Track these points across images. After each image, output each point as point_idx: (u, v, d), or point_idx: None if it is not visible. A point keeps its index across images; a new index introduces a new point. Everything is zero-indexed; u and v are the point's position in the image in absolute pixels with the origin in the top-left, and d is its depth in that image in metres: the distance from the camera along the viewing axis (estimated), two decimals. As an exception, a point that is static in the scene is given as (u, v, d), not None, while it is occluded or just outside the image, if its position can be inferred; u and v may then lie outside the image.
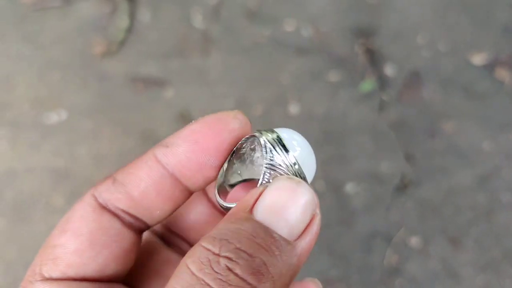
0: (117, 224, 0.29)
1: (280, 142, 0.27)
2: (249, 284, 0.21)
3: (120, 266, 0.30)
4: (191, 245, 0.35)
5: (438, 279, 1.01)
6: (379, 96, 1.16)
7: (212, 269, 0.22)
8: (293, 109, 1.15)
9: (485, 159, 1.09)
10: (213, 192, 0.32)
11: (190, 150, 0.29)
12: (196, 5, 1.28)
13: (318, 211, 0.26)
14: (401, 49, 1.21)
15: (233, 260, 0.22)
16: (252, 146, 0.30)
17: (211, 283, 0.21)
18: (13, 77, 1.22)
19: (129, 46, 1.25)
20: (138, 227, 0.31)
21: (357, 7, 1.25)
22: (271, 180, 0.26)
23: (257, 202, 0.25)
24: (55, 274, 0.27)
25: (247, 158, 0.31)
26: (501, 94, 1.16)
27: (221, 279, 0.21)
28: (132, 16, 1.27)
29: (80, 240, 0.28)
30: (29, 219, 1.08)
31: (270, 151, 0.27)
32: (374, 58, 1.20)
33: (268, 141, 0.27)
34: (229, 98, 1.17)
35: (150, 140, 1.13)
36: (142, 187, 0.29)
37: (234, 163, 0.31)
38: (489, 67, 1.18)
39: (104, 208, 0.29)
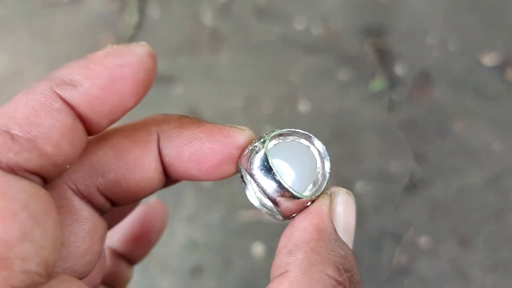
0: (35, 185, 0.23)
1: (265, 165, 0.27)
2: None
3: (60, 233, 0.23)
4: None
5: (447, 279, 1.00)
6: (389, 96, 1.16)
7: None
8: (303, 107, 1.15)
9: (496, 159, 1.09)
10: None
11: (104, 92, 0.24)
12: (205, 2, 1.28)
13: None
14: (412, 49, 1.21)
15: None
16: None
17: None
18: (22, 73, 1.23)
19: (138, 42, 1.25)
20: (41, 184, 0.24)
21: (367, 6, 1.25)
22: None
23: (334, 219, 0.26)
24: (17, 282, 0.20)
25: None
26: (511, 94, 1.15)
27: None
28: (142, 12, 1.27)
29: (19, 220, 0.20)
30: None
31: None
32: (384, 57, 1.19)
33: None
34: (238, 95, 1.17)
35: (159, 136, 1.13)
36: (56, 139, 0.23)
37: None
38: (500, 67, 1.17)
39: (15, 172, 0.22)
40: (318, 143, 0.29)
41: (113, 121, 0.26)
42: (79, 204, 0.27)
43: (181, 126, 0.29)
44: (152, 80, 0.26)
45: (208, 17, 1.26)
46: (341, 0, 1.26)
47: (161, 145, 0.27)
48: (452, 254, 1.02)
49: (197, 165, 0.28)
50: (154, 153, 0.28)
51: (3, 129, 0.22)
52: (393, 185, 1.07)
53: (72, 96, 0.24)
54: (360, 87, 1.16)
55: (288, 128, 0.29)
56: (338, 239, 0.25)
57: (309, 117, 1.14)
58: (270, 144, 0.28)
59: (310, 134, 0.29)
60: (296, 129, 0.29)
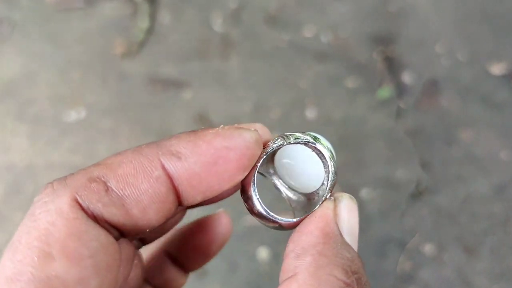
0: (112, 239, 0.24)
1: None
2: None
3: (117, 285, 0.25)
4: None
5: (452, 287, 1.00)
6: (397, 103, 1.16)
7: None
8: (311, 113, 1.15)
9: (502, 168, 1.09)
10: None
11: (206, 170, 0.25)
12: (216, 8, 1.29)
13: None
14: (420, 58, 1.21)
15: None
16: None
17: None
18: (35, 75, 1.25)
19: (149, 47, 1.26)
20: (117, 238, 0.26)
21: (377, 14, 1.26)
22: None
23: (339, 223, 0.27)
24: None
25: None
26: (519, 104, 1.15)
27: None
28: (153, 18, 1.29)
29: (82, 265, 0.22)
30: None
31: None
32: (392, 66, 1.20)
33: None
34: (248, 101, 1.18)
35: (167, 140, 1.14)
36: (145, 204, 0.24)
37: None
38: (508, 77, 1.18)
39: (97, 220, 0.23)
40: (323, 149, 0.30)
41: (206, 198, 0.26)
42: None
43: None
44: (252, 164, 0.27)
45: (218, 24, 1.28)
46: (351, 9, 1.27)
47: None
48: (457, 262, 1.02)
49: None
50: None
51: (102, 178, 0.23)
52: (399, 192, 1.07)
53: (175, 167, 0.24)
54: (368, 95, 1.17)
55: (297, 131, 0.30)
56: (344, 242, 0.26)
57: (316, 123, 1.14)
58: (282, 149, 0.30)
59: (319, 136, 0.31)
60: (305, 132, 0.30)
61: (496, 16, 1.24)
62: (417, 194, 1.07)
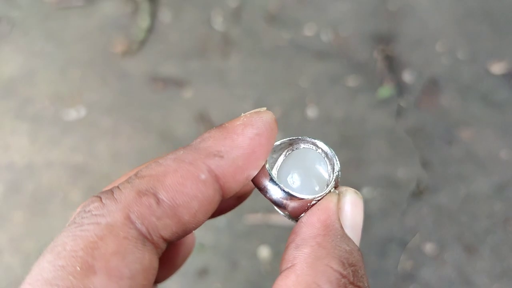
0: (155, 262, 0.24)
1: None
2: None
3: None
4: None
5: (452, 286, 1.00)
6: (397, 102, 1.16)
7: None
8: (311, 112, 1.15)
9: (503, 167, 1.09)
10: None
11: (246, 162, 0.26)
12: (217, 7, 1.29)
13: None
14: (420, 56, 1.21)
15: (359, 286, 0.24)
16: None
17: None
18: (35, 73, 1.24)
19: (150, 45, 1.26)
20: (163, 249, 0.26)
21: (377, 13, 1.26)
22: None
23: (341, 217, 0.27)
24: None
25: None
26: (519, 103, 1.16)
27: None
28: (153, 16, 1.29)
29: (120, 285, 0.22)
30: (47, 213, 1.09)
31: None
32: (393, 65, 1.20)
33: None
34: (248, 99, 1.18)
35: (168, 138, 1.14)
36: (195, 209, 0.24)
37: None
38: (508, 76, 1.18)
39: (147, 239, 0.23)
40: (325, 147, 0.30)
41: (241, 186, 0.27)
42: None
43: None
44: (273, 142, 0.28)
45: (219, 22, 1.28)
46: (351, 8, 1.27)
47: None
48: (458, 261, 1.02)
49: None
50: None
51: (152, 191, 0.23)
52: (400, 191, 1.07)
53: (220, 167, 0.25)
54: (369, 94, 1.17)
55: (296, 136, 0.31)
56: (344, 235, 0.26)
57: (317, 122, 1.14)
58: (281, 156, 0.30)
59: (316, 140, 0.30)
60: (303, 136, 0.31)
61: (496, 15, 1.25)
62: (418, 193, 1.07)
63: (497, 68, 1.19)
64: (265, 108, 0.28)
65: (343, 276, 0.24)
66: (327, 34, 1.24)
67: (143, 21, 1.28)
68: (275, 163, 0.30)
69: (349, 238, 0.27)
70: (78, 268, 0.21)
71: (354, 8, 1.27)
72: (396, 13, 1.26)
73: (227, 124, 0.26)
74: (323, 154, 0.30)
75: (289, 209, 0.28)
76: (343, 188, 0.29)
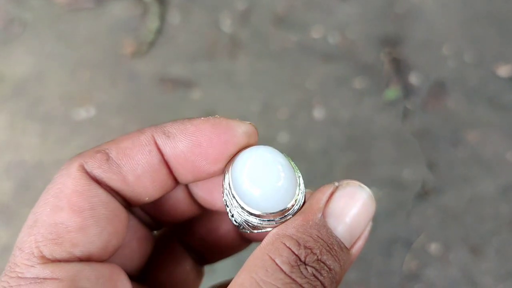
0: (113, 200, 0.28)
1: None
2: None
3: (118, 244, 0.29)
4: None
5: (457, 287, 1.01)
6: (404, 104, 1.17)
7: (302, 273, 0.25)
8: (318, 113, 1.16)
9: (508, 169, 1.09)
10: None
11: (190, 150, 0.28)
12: (225, 9, 1.30)
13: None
14: (427, 59, 1.22)
15: (317, 271, 0.25)
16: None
17: (304, 285, 0.24)
18: (45, 74, 1.26)
19: (159, 47, 1.28)
20: (125, 206, 0.30)
21: (384, 16, 1.27)
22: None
23: (328, 206, 0.28)
24: (60, 254, 0.25)
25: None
26: (526, 106, 1.16)
27: (311, 283, 0.25)
28: (162, 18, 1.31)
29: (83, 216, 0.26)
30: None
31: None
32: (399, 67, 1.21)
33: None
34: (255, 101, 1.19)
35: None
36: (139, 172, 0.28)
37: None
38: (515, 79, 1.18)
39: (99, 183, 0.28)
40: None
41: (196, 179, 0.30)
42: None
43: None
44: (235, 151, 0.29)
45: (227, 24, 1.29)
46: (358, 10, 1.28)
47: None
48: (463, 262, 1.02)
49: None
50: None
51: (106, 150, 0.28)
52: (405, 192, 1.08)
53: (164, 144, 0.28)
54: (375, 96, 1.18)
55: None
56: (318, 223, 0.27)
57: (323, 123, 1.15)
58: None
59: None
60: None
61: (503, 18, 1.25)
62: (423, 194, 1.08)
63: (504, 71, 1.19)
64: (248, 123, 0.29)
65: (293, 254, 0.25)
66: (334, 37, 1.25)
67: (152, 23, 1.30)
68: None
69: (325, 227, 0.27)
70: (49, 210, 0.26)
71: (361, 11, 1.28)
72: (403, 16, 1.27)
73: (194, 118, 0.29)
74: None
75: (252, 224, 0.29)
76: (345, 181, 0.30)
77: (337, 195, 0.29)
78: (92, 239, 0.26)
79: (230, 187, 0.28)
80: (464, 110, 1.16)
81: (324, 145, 1.13)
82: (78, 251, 0.26)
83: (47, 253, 0.25)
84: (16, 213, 1.12)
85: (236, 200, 0.28)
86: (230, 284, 0.25)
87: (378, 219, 1.05)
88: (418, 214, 1.06)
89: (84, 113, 1.21)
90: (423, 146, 1.12)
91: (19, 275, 0.25)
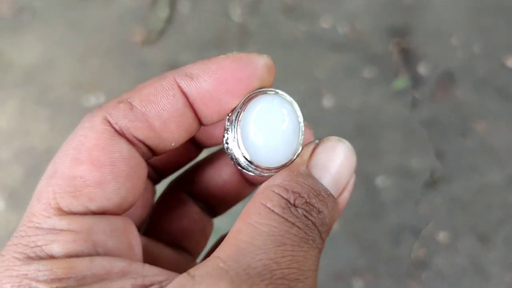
0: (136, 154, 0.28)
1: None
2: (319, 230, 0.26)
3: (134, 201, 0.28)
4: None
5: (465, 275, 1.01)
6: (412, 94, 1.17)
7: (293, 213, 0.26)
8: (328, 102, 1.17)
9: (517, 159, 1.10)
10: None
11: (216, 88, 0.28)
12: (235, -1, 1.31)
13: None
14: (436, 49, 1.22)
15: (307, 212, 0.26)
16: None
17: (297, 223, 0.25)
18: (56, 61, 1.27)
19: (168, 35, 1.28)
20: (148, 157, 0.29)
21: (393, 6, 1.27)
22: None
23: (311, 159, 0.29)
24: (76, 208, 0.25)
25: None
26: (534, 97, 1.17)
27: (302, 222, 0.25)
28: (173, 7, 1.31)
29: (102, 171, 0.26)
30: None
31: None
32: (408, 57, 1.21)
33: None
34: (264, 89, 1.19)
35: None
36: (165, 118, 0.28)
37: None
38: (524, 70, 1.19)
39: (122, 135, 0.27)
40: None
41: (221, 118, 0.30)
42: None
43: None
44: (259, 85, 0.29)
45: (237, 14, 1.29)
46: (367, 1, 1.28)
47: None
48: (471, 250, 1.03)
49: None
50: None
51: (128, 100, 0.27)
52: (414, 180, 1.09)
53: (188, 86, 0.28)
54: (384, 85, 1.19)
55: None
56: (304, 173, 0.28)
57: (333, 112, 1.16)
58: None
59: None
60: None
61: (511, 9, 1.26)
62: (432, 183, 1.08)
63: (512, 62, 1.20)
64: (266, 56, 0.30)
65: (281, 198, 0.26)
66: (343, 27, 1.26)
67: (162, 12, 1.30)
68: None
69: (310, 177, 0.28)
70: (68, 162, 0.26)
71: (370, 1, 1.28)
72: (412, 6, 1.27)
73: (213, 57, 0.29)
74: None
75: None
76: (325, 138, 0.30)
77: (319, 150, 0.29)
78: (110, 195, 0.26)
79: (237, 132, 0.29)
80: (472, 101, 1.16)
81: (333, 133, 1.12)
82: (94, 206, 0.26)
83: (63, 205, 0.25)
84: (26, 198, 1.12)
85: (239, 147, 0.29)
86: (228, 234, 0.26)
87: (386, 207, 1.06)
88: (427, 203, 1.07)
89: (94, 99, 1.21)
90: (431, 136, 1.13)
91: (37, 225, 0.25)
